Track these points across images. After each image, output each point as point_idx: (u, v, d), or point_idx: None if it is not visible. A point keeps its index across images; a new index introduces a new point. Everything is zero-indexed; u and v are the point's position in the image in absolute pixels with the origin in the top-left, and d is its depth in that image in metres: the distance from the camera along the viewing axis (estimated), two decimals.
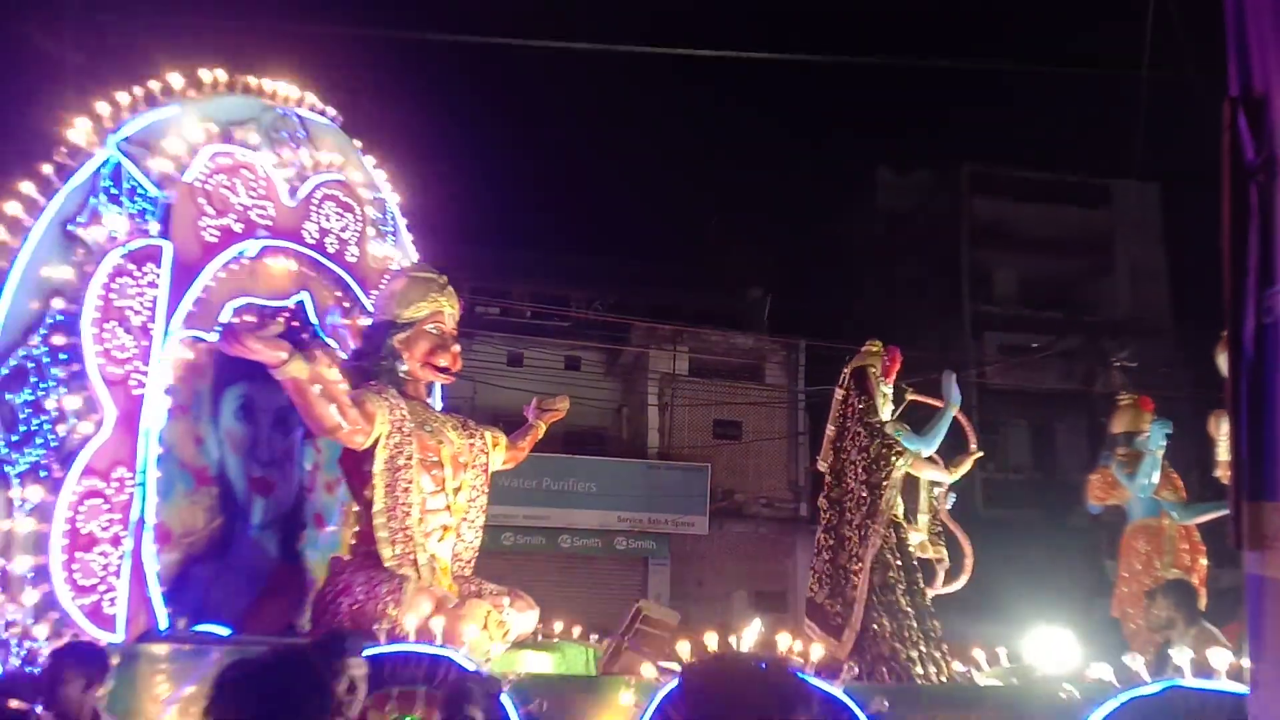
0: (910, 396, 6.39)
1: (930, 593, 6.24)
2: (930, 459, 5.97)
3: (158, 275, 4.82)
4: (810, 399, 19.87)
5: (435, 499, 5.12)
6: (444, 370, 5.32)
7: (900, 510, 5.89)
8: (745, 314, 22.66)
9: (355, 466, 5.07)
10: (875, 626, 5.46)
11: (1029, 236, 24.58)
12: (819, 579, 5.83)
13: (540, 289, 21.20)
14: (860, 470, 5.80)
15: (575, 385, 20.49)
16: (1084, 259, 25.01)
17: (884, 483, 5.67)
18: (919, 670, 5.39)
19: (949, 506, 6.47)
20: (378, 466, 4.91)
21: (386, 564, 4.83)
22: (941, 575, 6.25)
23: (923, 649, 5.46)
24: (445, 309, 5.35)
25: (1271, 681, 1.52)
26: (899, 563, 5.65)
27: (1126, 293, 24.75)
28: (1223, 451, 6.57)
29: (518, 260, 21.41)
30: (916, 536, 6.14)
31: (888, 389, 6.04)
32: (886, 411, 6.03)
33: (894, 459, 5.72)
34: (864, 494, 5.73)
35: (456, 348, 5.39)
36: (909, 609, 5.53)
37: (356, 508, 5.60)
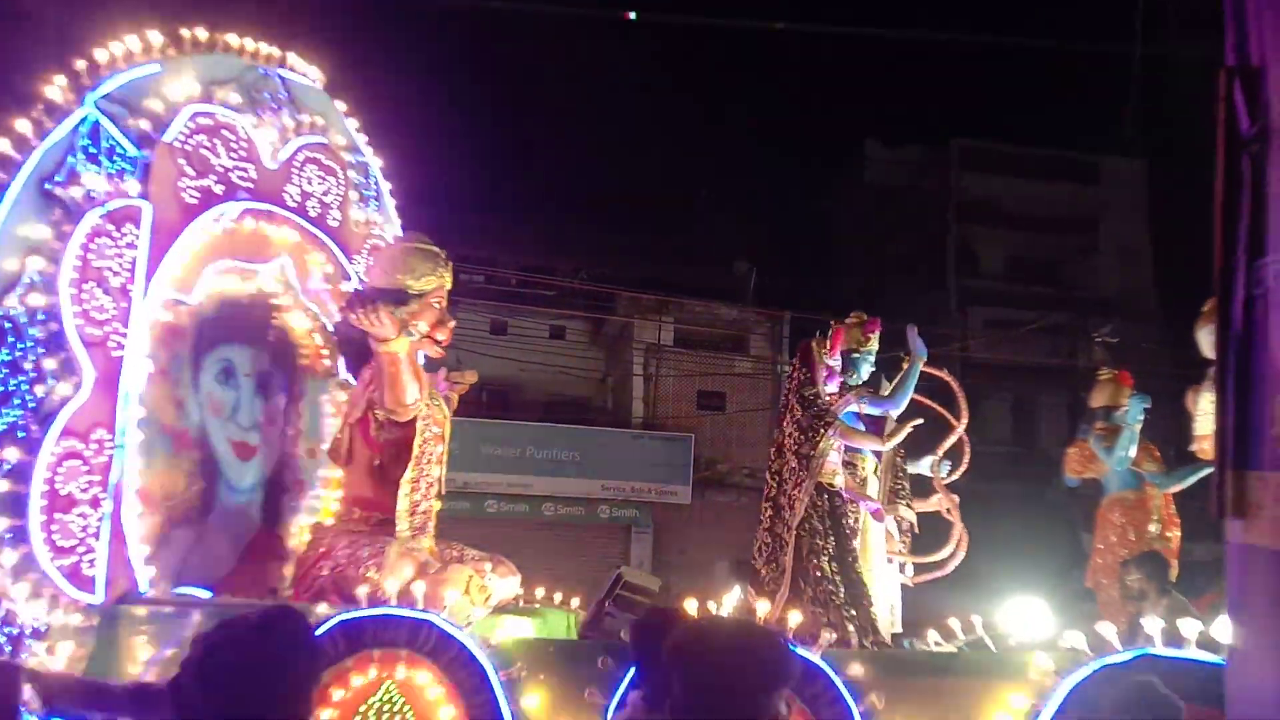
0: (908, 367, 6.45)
1: (926, 561, 6.37)
2: (860, 430, 5.99)
3: (137, 236, 4.75)
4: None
5: (435, 469, 5.22)
6: (439, 344, 5.35)
7: (839, 480, 5.93)
8: (731, 286, 22.67)
9: (371, 434, 5.09)
10: (800, 593, 5.55)
11: (1017, 212, 24.68)
12: (759, 548, 5.97)
13: (526, 257, 21.11)
14: (794, 442, 5.90)
15: (560, 354, 20.51)
16: (1071, 236, 25.14)
17: (813, 453, 5.77)
18: (831, 635, 5.49)
19: (944, 476, 6.56)
20: (418, 440, 5.02)
21: (400, 535, 4.90)
22: (952, 540, 6.34)
23: (851, 615, 5.52)
24: (447, 284, 5.37)
25: (1251, 646, 1.54)
26: (828, 529, 5.74)
27: (1112, 270, 24.91)
28: (1199, 426, 6.66)
29: (503, 228, 21.29)
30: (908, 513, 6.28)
31: (833, 361, 6.09)
32: (834, 385, 6.07)
33: (823, 429, 5.79)
34: (795, 464, 5.84)
35: (452, 322, 5.41)
36: (835, 575, 5.63)
37: (339, 474, 5.59)
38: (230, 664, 1.83)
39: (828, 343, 6.15)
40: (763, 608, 4.94)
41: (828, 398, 6.01)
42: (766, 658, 1.74)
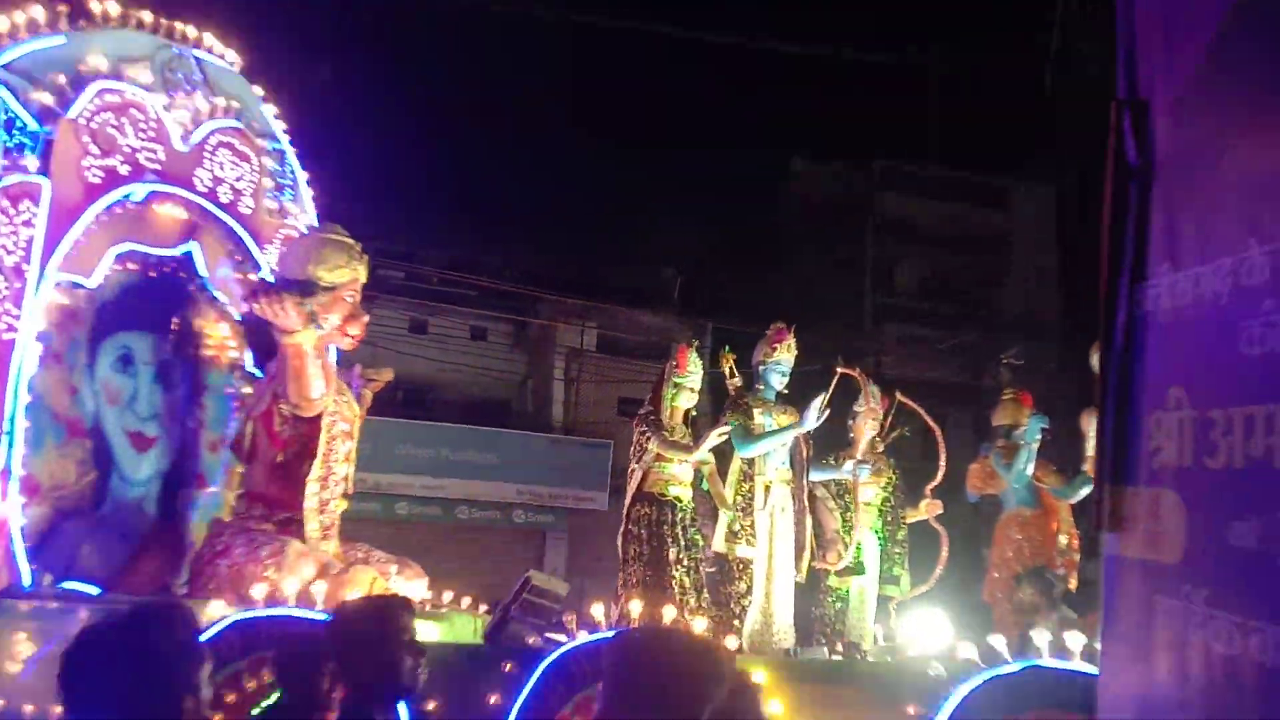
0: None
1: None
2: (680, 444, 6.09)
3: (34, 214, 4.56)
4: (716, 382, 20.07)
5: (343, 467, 5.13)
6: (352, 338, 5.24)
7: (674, 490, 5.99)
8: (656, 293, 22.75)
9: (275, 429, 4.96)
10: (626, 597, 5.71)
11: (932, 233, 25.38)
12: (619, 554, 6.10)
13: (449, 254, 20.80)
14: (632, 457, 6.13)
15: (481, 356, 20.29)
16: (982, 258, 25.97)
17: (636, 466, 6.01)
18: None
19: (864, 479, 6.72)
20: (324, 436, 4.90)
21: (309, 535, 4.79)
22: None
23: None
24: (361, 277, 5.25)
25: (1121, 654, 1.61)
26: (648, 538, 5.91)
27: (1020, 293, 25.82)
28: (1092, 447, 6.94)
29: (426, 223, 20.97)
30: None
31: (681, 379, 6.24)
32: (685, 399, 6.23)
33: (646, 443, 6.01)
34: (630, 481, 6.08)
35: (366, 317, 5.29)
36: (653, 584, 5.79)
37: (240, 469, 5.42)
38: (102, 659, 1.74)
39: (678, 361, 6.28)
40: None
41: (666, 412, 6.14)
42: (710, 670, 1.69)
